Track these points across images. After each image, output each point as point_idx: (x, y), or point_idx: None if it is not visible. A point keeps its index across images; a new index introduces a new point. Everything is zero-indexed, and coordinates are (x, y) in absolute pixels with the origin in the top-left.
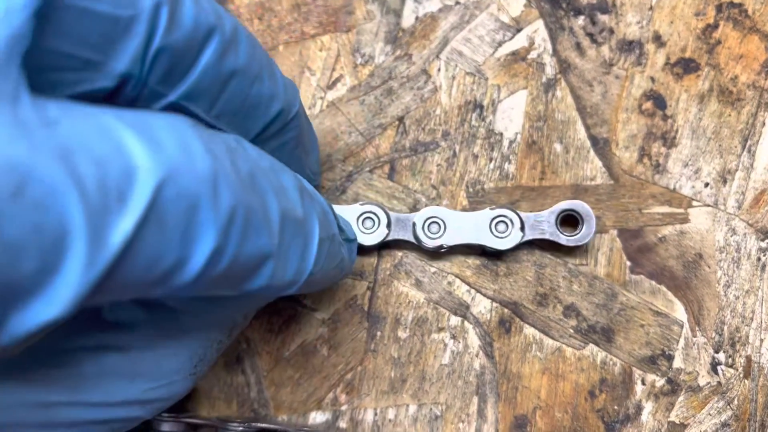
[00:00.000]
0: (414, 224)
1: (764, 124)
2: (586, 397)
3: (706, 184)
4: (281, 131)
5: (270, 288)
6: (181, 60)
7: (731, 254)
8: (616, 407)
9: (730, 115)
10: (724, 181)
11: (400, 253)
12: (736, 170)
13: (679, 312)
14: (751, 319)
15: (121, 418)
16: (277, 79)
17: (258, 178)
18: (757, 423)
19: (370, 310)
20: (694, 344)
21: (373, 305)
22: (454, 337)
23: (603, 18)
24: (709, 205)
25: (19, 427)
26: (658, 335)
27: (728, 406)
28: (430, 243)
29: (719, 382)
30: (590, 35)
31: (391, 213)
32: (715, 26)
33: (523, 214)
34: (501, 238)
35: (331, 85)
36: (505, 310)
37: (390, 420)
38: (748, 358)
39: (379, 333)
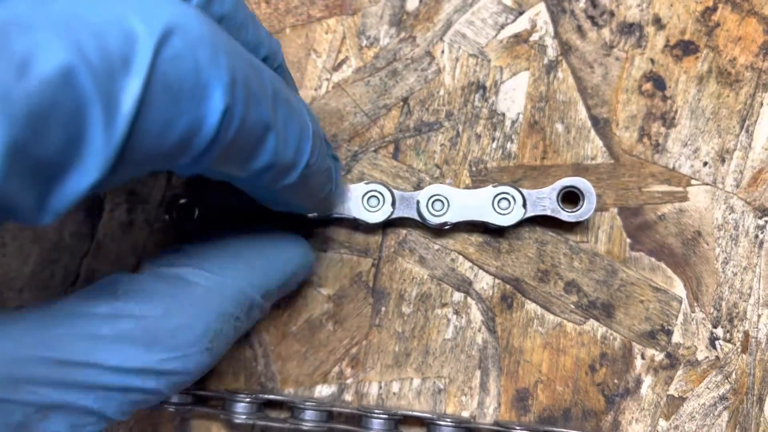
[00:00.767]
0: (418, 202)
1: (762, 104)
2: (587, 371)
3: (705, 164)
4: None
5: (273, 168)
6: None
7: (729, 232)
8: (616, 381)
9: (728, 96)
10: (723, 161)
11: (404, 231)
12: (735, 150)
13: (678, 288)
14: (749, 295)
15: (138, 388)
16: (260, 29)
17: (250, 55)
18: (755, 396)
19: (375, 286)
20: (692, 320)
21: (378, 281)
22: (457, 312)
23: (603, 1)
24: (707, 184)
25: (36, 384)
26: (658, 311)
27: (726, 380)
28: (434, 220)
29: (717, 357)
30: (591, 18)
31: (395, 191)
32: (714, 9)
33: (525, 191)
34: (503, 214)
35: (336, 67)
36: (507, 286)
37: (394, 393)
38: (746, 333)
39: (383, 308)
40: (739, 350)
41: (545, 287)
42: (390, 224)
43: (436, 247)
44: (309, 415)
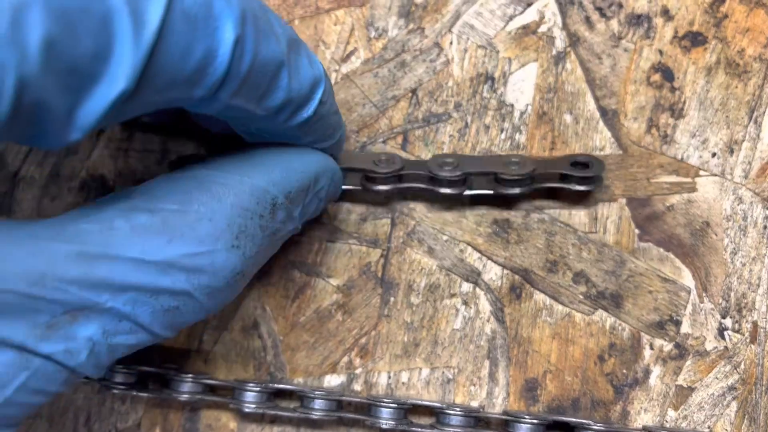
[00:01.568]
0: (428, 162)
1: None
2: (596, 362)
3: (714, 154)
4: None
5: (289, 106)
6: None
7: (738, 222)
8: (624, 371)
9: (736, 87)
10: (731, 151)
11: (413, 222)
12: (743, 141)
13: (687, 279)
14: (758, 285)
15: (166, 289)
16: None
17: (261, 2)
18: (764, 386)
19: (384, 277)
20: (701, 310)
21: (387, 272)
22: (465, 302)
23: None
24: (716, 175)
25: (58, 279)
26: (666, 301)
27: (735, 370)
28: (445, 174)
29: (726, 347)
30: (599, 9)
31: (405, 156)
32: (722, 0)
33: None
34: (514, 170)
35: (345, 58)
36: (516, 277)
37: (403, 383)
38: (755, 324)
39: (392, 299)
40: (747, 340)
41: (554, 278)
42: (401, 195)
43: (445, 237)
44: (318, 404)
